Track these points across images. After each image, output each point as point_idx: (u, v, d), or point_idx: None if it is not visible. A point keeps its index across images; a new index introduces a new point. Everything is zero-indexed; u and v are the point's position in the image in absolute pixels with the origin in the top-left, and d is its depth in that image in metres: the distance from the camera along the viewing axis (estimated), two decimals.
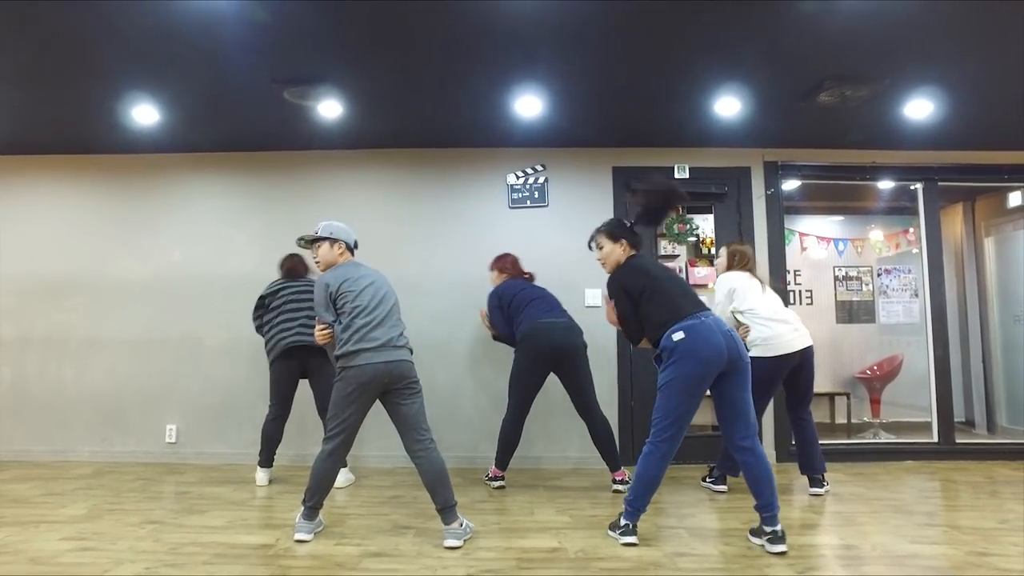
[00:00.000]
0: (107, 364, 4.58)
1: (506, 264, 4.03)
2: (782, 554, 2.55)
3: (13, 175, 4.76)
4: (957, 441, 4.56)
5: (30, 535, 2.81)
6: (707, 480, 3.72)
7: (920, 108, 3.81)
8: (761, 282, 3.63)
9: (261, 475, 3.81)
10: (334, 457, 2.74)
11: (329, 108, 3.80)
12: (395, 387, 2.73)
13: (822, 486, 3.54)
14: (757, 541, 2.68)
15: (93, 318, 4.62)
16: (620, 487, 3.60)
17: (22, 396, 4.57)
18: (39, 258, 4.68)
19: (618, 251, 2.88)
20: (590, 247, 3.02)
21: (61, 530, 2.89)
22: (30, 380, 4.59)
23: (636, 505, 2.69)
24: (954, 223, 5.90)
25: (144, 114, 3.90)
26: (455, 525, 2.69)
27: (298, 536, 2.73)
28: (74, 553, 2.58)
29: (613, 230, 2.92)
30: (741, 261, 3.70)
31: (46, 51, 3.14)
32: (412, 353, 2.83)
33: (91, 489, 3.67)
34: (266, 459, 3.81)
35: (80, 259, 4.67)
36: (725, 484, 3.65)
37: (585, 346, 3.69)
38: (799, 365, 3.51)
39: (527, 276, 4.01)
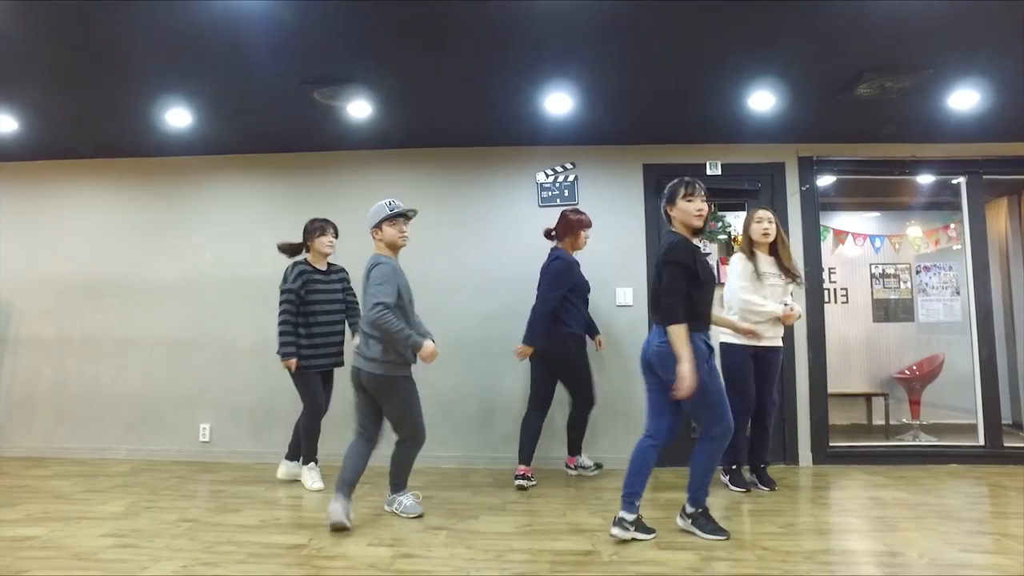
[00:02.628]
0: (142, 364, 4.67)
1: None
2: (614, 538, 2.72)
3: (52, 179, 4.88)
4: (1005, 444, 4.39)
5: (73, 531, 2.88)
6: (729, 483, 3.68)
7: (965, 98, 3.66)
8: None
9: (309, 474, 3.72)
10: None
11: (358, 108, 3.81)
12: None
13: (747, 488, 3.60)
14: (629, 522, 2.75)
15: (128, 319, 4.71)
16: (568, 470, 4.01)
17: (62, 394, 4.69)
18: (76, 260, 4.79)
19: (697, 223, 2.78)
20: (689, 190, 2.74)
21: (102, 526, 2.94)
22: (70, 379, 4.70)
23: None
24: (998, 218, 5.69)
25: (177, 117, 3.96)
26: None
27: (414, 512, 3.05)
28: (114, 550, 2.63)
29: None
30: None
31: (82, 57, 3.19)
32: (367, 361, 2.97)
33: (129, 487, 3.74)
34: (302, 453, 3.77)
35: (116, 261, 4.77)
36: (745, 485, 3.61)
37: None
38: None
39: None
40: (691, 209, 2.72)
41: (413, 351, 2.93)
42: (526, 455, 3.73)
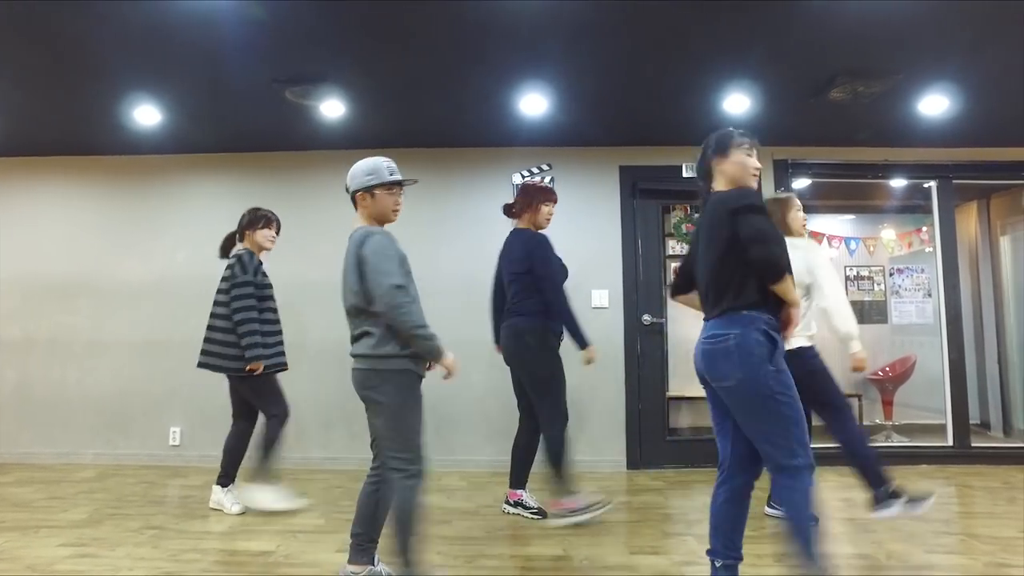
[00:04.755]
0: (111, 366, 4.56)
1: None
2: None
3: (17, 177, 4.75)
4: (973, 445, 4.46)
5: (29, 540, 2.79)
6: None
7: (935, 104, 3.72)
8: None
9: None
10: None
11: (331, 108, 3.76)
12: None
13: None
14: None
15: (97, 320, 4.60)
16: (507, 507, 3.27)
17: (27, 398, 4.56)
18: (43, 260, 4.67)
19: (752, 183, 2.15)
20: (750, 143, 2.14)
21: (61, 536, 2.86)
22: (35, 382, 4.58)
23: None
24: (969, 221, 5.79)
25: (146, 115, 3.88)
26: (355, 568, 2.25)
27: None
28: (72, 560, 2.55)
29: None
30: None
31: (48, 53, 3.11)
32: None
33: (93, 493, 3.65)
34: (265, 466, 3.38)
35: (84, 261, 4.66)
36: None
37: None
38: None
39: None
40: (750, 165, 2.11)
41: (435, 357, 2.32)
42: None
